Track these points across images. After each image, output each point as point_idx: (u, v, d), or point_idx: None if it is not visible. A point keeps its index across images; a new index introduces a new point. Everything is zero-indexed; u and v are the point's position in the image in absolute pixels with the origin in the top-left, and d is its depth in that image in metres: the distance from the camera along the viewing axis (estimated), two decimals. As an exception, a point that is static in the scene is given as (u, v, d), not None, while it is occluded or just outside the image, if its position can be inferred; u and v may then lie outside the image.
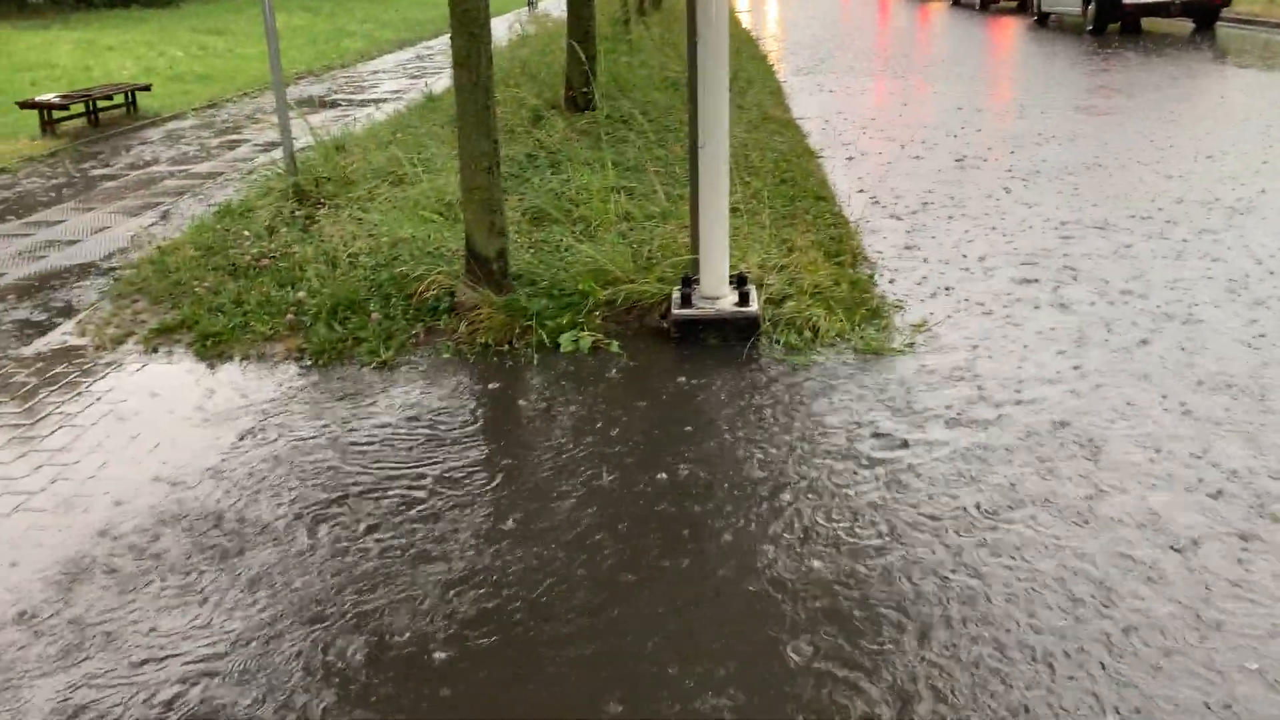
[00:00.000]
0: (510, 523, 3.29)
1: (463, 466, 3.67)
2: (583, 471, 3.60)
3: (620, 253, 5.35)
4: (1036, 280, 5.40)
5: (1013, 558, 3.00)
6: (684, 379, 4.39)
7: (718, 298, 4.79)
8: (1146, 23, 17.79)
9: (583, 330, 4.79)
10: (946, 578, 2.92)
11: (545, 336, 4.75)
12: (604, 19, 13.25)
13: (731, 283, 4.84)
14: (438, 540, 3.21)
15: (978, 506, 3.28)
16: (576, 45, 9.32)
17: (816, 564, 3.01)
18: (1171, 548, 3.03)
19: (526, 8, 24.24)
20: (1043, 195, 7.09)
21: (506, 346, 4.75)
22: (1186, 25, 17.57)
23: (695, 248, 4.96)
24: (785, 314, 4.83)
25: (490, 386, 4.40)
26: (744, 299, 4.76)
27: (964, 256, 5.83)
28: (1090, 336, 4.65)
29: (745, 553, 3.09)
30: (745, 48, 16.18)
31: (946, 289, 5.32)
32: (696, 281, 4.87)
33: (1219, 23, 17.40)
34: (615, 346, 4.71)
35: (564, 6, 10.80)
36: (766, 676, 2.57)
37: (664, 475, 3.55)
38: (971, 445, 3.68)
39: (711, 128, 4.58)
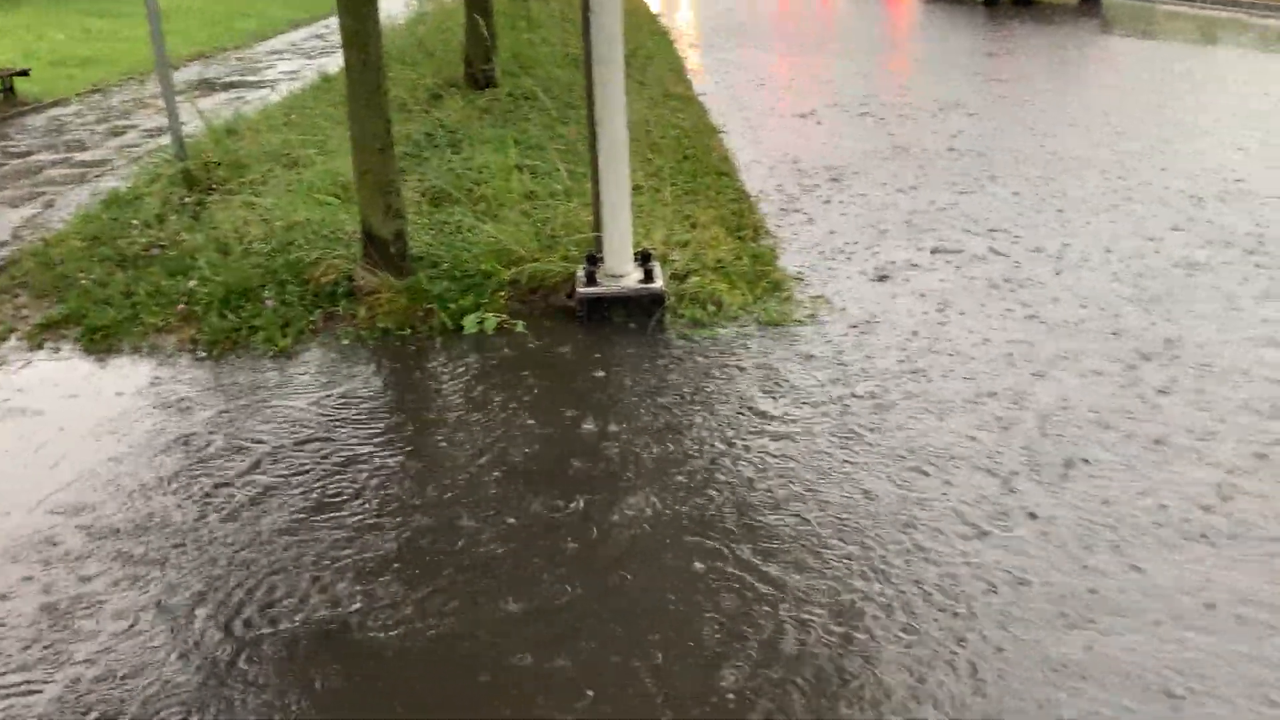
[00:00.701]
0: (418, 500, 3.25)
1: (365, 453, 3.60)
2: (490, 449, 3.57)
3: (524, 232, 5.30)
4: (936, 249, 5.50)
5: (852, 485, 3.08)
6: (589, 356, 4.37)
7: (622, 275, 4.77)
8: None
9: (487, 311, 4.74)
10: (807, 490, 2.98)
11: (448, 319, 4.68)
12: (504, -5, 13.09)
13: (636, 260, 4.83)
14: (341, 532, 3.15)
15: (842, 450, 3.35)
16: (478, 21, 9.18)
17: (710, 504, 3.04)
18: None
19: None
20: (941, 165, 7.23)
21: (408, 330, 4.67)
22: (1075, -6, 18.05)
23: (598, 225, 4.94)
24: (689, 289, 4.85)
25: (392, 371, 4.33)
26: (648, 276, 4.75)
27: (866, 228, 5.92)
28: (990, 297, 4.76)
29: (641, 510, 3.10)
30: (645, 23, 16.13)
31: (848, 259, 5.39)
32: (601, 259, 4.85)
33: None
34: (520, 326, 4.67)
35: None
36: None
37: (571, 449, 3.54)
38: (861, 406, 3.75)
39: (609, 104, 4.55)
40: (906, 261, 5.31)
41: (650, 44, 13.39)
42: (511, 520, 3.18)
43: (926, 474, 3.34)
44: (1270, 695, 2.41)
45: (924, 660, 2.53)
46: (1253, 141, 7.58)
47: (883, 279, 5.09)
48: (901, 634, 2.62)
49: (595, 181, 4.90)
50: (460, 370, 4.28)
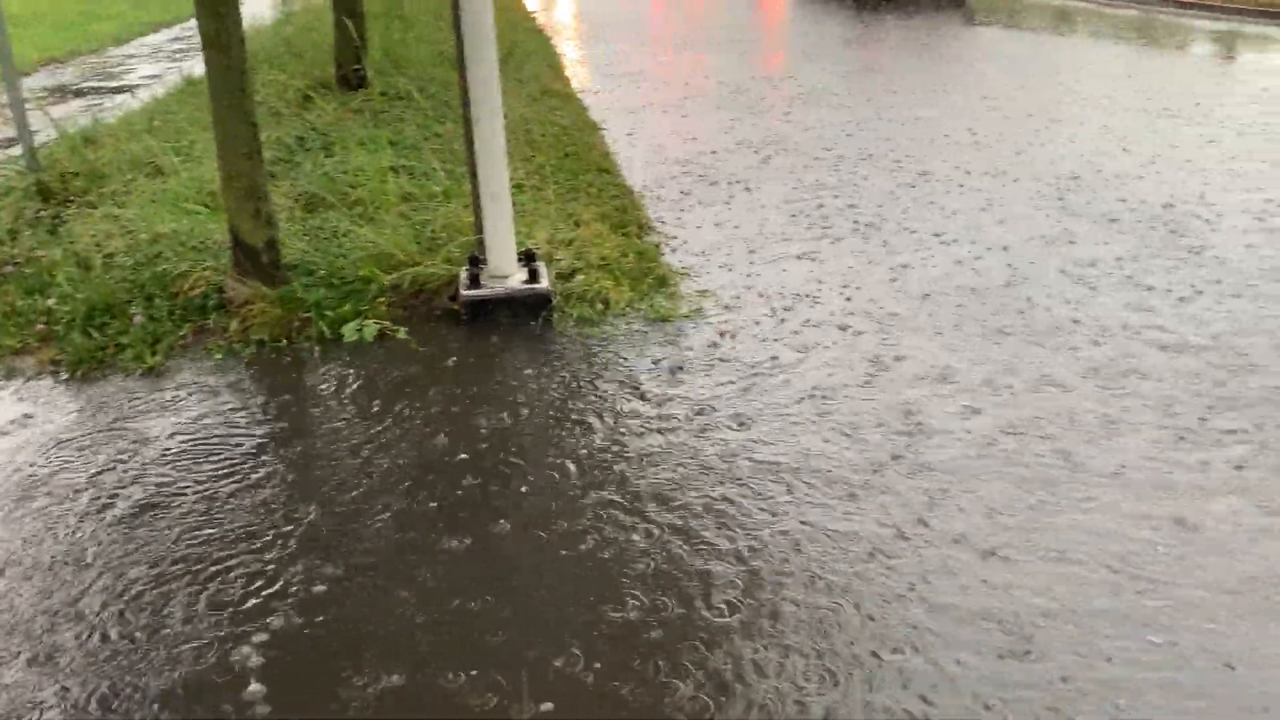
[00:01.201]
0: (302, 515, 3.12)
1: (243, 469, 3.46)
2: (374, 462, 3.46)
3: (403, 235, 5.17)
4: (815, 235, 5.57)
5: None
6: (475, 360, 4.29)
7: (506, 275, 4.70)
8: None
9: (367, 319, 4.60)
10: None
11: (326, 328, 4.53)
12: (374, -7, 12.79)
13: (520, 260, 4.76)
14: (216, 550, 3.01)
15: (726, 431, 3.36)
16: (346, 20, 8.94)
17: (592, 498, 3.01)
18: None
19: None
20: (817, 156, 7.33)
21: (284, 341, 4.50)
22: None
23: (480, 226, 4.85)
24: (576, 288, 4.80)
25: (268, 384, 4.17)
26: (533, 275, 4.69)
27: (747, 220, 5.96)
28: (865, 282, 4.84)
29: (531, 509, 3.05)
30: (521, 20, 15.99)
31: (730, 252, 5.42)
32: (484, 261, 4.76)
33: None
34: (403, 333, 4.55)
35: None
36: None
37: (457, 454, 3.46)
38: (741, 394, 3.77)
39: (484, 101, 4.47)
40: (788, 251, 5.36)
41: (527, 41, 13.26)
42: (383, 539, 3.09)
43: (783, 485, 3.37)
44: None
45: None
46: (1105, 123, 7.91)
47: (772, 268, 5.14)
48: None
49: (474, 181, 4.81)
50: (338, 381, 4.14)
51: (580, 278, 4.86)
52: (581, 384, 4.01)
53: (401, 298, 4.84)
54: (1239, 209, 5.88)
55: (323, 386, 4.11)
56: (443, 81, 9.58)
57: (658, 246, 5.48)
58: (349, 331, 4.53)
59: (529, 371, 4.16)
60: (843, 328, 4.44)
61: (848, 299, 4.74)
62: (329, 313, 4.61)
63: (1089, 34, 12.59)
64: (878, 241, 5.41)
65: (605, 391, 3.93)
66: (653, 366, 4.13)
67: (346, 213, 5.71)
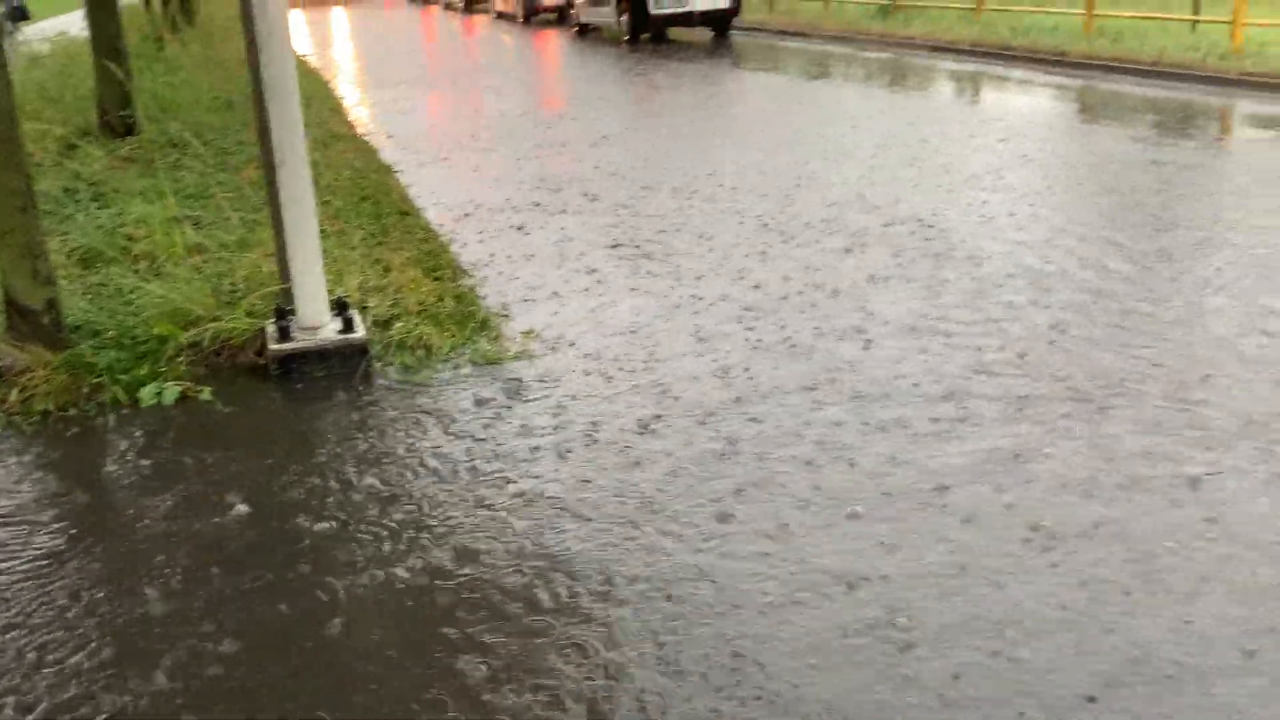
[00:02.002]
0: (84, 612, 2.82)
1: (23, 561, 3.10)
2: (174, 541, 3.18)
3: (198, 289, 4.83)
4: (622, 263, 5.60)
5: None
6: (288, 419, 4.06)
7: (318, 326, 4.47)
8: (674, 32, 19.34)
9: (166, 380, 4.26)
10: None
11: (122, 392, 4.16)
12: (135, 36, 12.05)
13: (332, 309, 4.54)
14: None
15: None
16: (109, 64, 8.35)
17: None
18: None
19: (10, 23, 19.52)
20: (605, 190, 7.41)
21: (73, 410, 4.11)
22: (708, 33, 19.34)
23: (285, 276, 4.60)
24: (395, 336, 4.62)
25: (54, 459, 3.78)
26: (348, 325, 4.48)
27: (555, 257, 5.94)
28: (670, 305, 4.91)
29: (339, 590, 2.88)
30: (298, 64, 15.46)
31: (551, 292, 5.37)
32: (293, 312, 4.51)
33: (732, 31, 19.33)
34: (207, 393, 4.23)
35: (79, 23, 9.65)
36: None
37: (262, 523, 3.23)
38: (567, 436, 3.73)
39: (288, 145, 4.26)
40: (595, 285, 5.36)
41: (305, 85, 12.82)
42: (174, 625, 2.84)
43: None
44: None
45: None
46: (865, 151, 8.42)
47: (583, 303, 5.14)
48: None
49: (279, 229, 4.57)
50: (133, 450, 3.80)
51: (399, 325, 4.68)
52: (409, 437, 3.85)
53: (202, 356, 4.51)
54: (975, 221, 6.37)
55: (114, 456, 3.77)
56: (218, 127, 9.14)
57: (474, 289, 5.38)
58: (147, 395, 4.18)
59: (348, 428, 3.95)
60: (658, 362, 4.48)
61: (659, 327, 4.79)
62: (123, 376, 4.24)
63: (846, 78, 13.40)
64: (689, 276, 5.50)
65: (436, 444, 3.79)
66: (482, 412, 4.01)
67: (130, 268, 5.30)
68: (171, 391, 4.20)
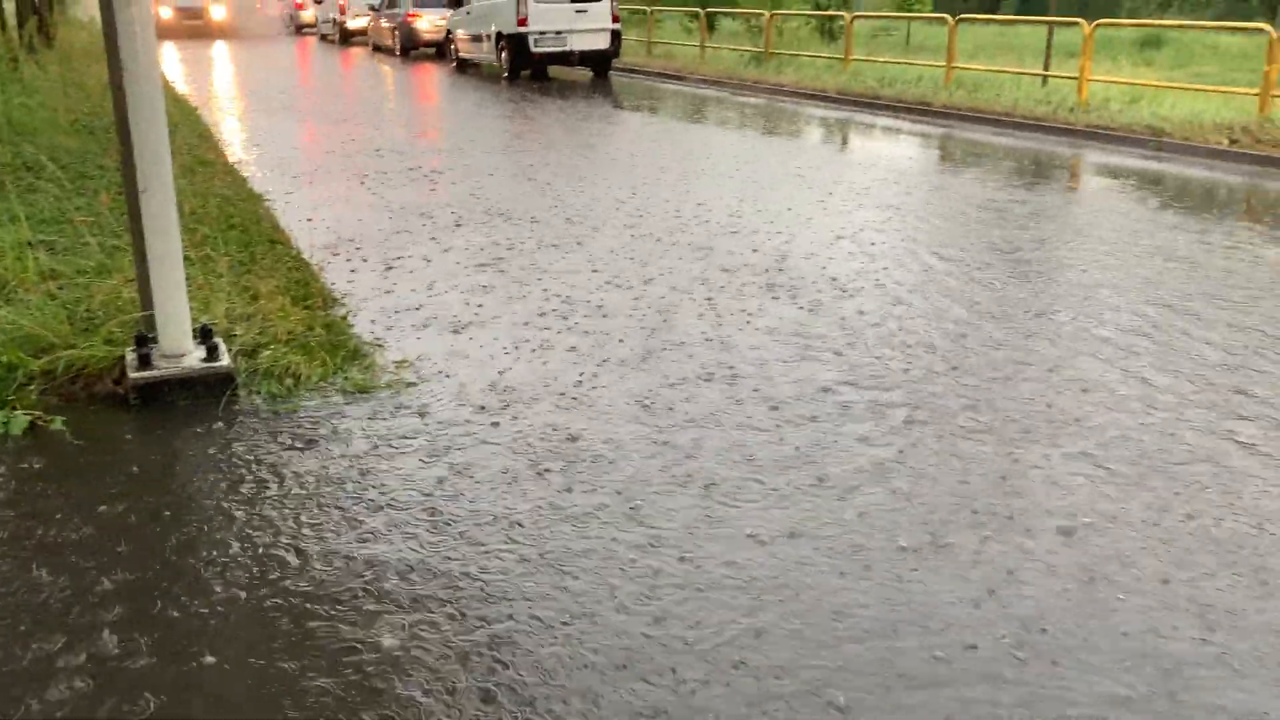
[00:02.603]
0: (-46, 652, 2.66)
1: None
2: (14, 581, 3.04)
3: (51, 315, 4.63)
4: (489, 295, 5.61)
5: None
6: (149, 450, 3.90)
7: (182, 354, 4.33)
8: (554, 70, 19.53)
9: (14, 410, 4.06)
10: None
11: (-35, 423, 3.96)
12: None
13: (196, 337, 4.41)
14: None
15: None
16: (-45, 83, 7.96)
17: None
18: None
19: None
20: (481, 224, 7.42)
21: (-88, 440, 3.88)
22: (587, 73, 19.58)
23: (147, 303, 4.45)
24: (262, 364, 4.50)
25: (-106, 492, 3.55)
26: (212, 353, 4.35)
27: (425, 286, 5.90)
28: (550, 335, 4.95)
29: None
30: (165, 90, 15.00)
31: (419, 319, 5.34)
32: (154, 339, 4.37)
33: (611, 71, 19.63)
34: (59, 423, 4.04)
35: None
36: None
37: (122, 570, 3.11)
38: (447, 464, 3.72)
39: (152, 170, 4.14)
40: (470, 318, 5.36)
41: (173, 110, 12.45)
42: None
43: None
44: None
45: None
46: (733, 192, 8.66)
47: (455, 332, 5.12)
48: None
49: (140, 254, 4.42)
50: (-18, 481, 3.62)
51: (266, 353, 4.57)
52: (272, 469, 3.76)
53: (55, 384, 4.32)
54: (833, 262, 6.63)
55: (-36, 489, 3.57)
56: (76, 151, 8.80)
57: (345, 318, 5.29)
58: (-8, 424, 3.98)
59: (213, 452, 3.84)
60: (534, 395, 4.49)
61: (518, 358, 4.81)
62: (-35, 405, 4.03)
63: (720, 120, 13.75)
64: (556, 295, 5.54)
65: (302, 474, 3.71)
66: (346, 440, 3.95)
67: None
68: (20, 421, 4.01)
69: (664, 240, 6.99)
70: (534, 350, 4.93)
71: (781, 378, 4.57)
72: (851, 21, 17.36)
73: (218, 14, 35.63)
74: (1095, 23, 12.48)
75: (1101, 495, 3.52)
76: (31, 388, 4.23)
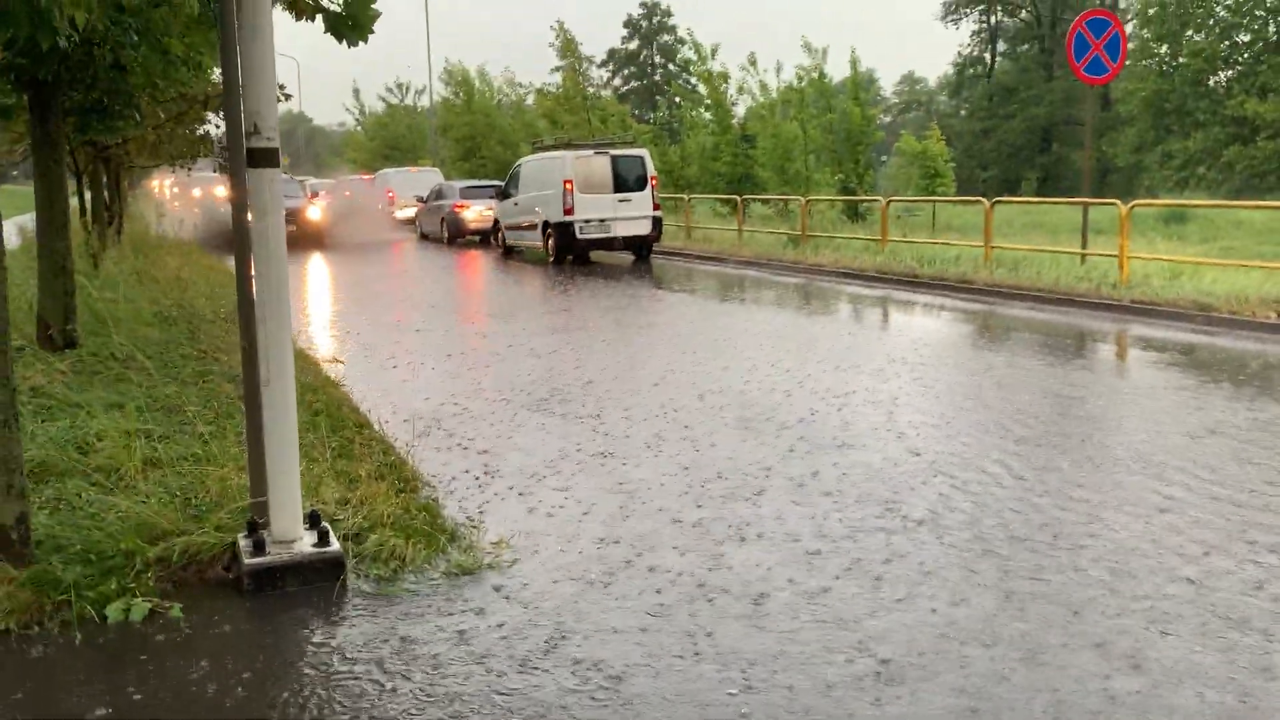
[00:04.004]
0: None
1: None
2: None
3: (163, 503, 4.79)
4: (574, 472, 5.73)
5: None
6: (261, 637, 3.97)
7: (293, 540, 4.45)
8: (596, 254, 20.25)
9: (134, 596, 4.17)
10: None
11: (88, 609, 4.05)
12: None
13: (304, 523, 4.54)
14: None
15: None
16: (53, 279, 8.41)
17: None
18: None
19: None
20: (549, 402, 7.61)
21: (36, 628, 3.97)
22: (628, 256, 20.29)
23: (257, 490, 4.62)
24: (368, 549, 4.61)
25: (13, 685, 3.62)
26: (323, 538, 4.47)
27: (513, 466, 6.04)
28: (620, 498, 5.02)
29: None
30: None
31: (505, 499, 5.46)
32: (263, 525, 4.50)
33: (652, 255, 20.33)
34: (177, 610, 4.14)
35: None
36: None
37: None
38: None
39: (277, 364, 4.37)
40: (557, 489, 5.47)
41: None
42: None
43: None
44: None
45: None
46: (767, 365, 8.86)
47: (541, 513, 5.23)
48: None
49: (254, 443, 4.62)
50: (100, 674, 3.67)
51: (373, 537, 4.68)
52: (388, 646, 3.81)
53: (170, 571, 4.43)
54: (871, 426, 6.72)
55: (84, 677, 3.64)
56: (159, 342, 9.19)
57: (437, 500, 5.42)
58: (114, 611, 4.07)
59: (322, 647, 3.89)
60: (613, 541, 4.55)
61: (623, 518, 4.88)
62: (90, 592, 4.13)
63: (757, 300, 14.14)
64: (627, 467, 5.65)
65: (418, 654, 3.75)
66: (456, 627, 4.00)
67: (85, 481, 5.23)
68: (140, 608, 4.10)
69: (770, 442, 7.14)
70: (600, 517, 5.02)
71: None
72: (887, 205, 18.05)
73: (314, 214, 27.09)
74: (1132, 203, 12.93)
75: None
76: (148, 575, 4.34)
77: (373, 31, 4.79)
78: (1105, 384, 8.20)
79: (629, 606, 4.16)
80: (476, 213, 24.92)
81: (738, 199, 23.02)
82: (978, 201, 16.44)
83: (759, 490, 5.59)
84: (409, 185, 32.02)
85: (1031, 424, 6.84)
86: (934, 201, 24.56)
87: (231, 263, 4.50)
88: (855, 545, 4.77)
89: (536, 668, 3.66)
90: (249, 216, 4.33)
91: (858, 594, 4.24)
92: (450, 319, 12.83)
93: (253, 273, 4.38)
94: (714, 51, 30.45)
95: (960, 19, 63.87)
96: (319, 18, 4.86)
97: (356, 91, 55.82)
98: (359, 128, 57.90)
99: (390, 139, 52.32)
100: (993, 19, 63.91)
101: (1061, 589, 4.24)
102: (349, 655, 3.80)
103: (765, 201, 26.51)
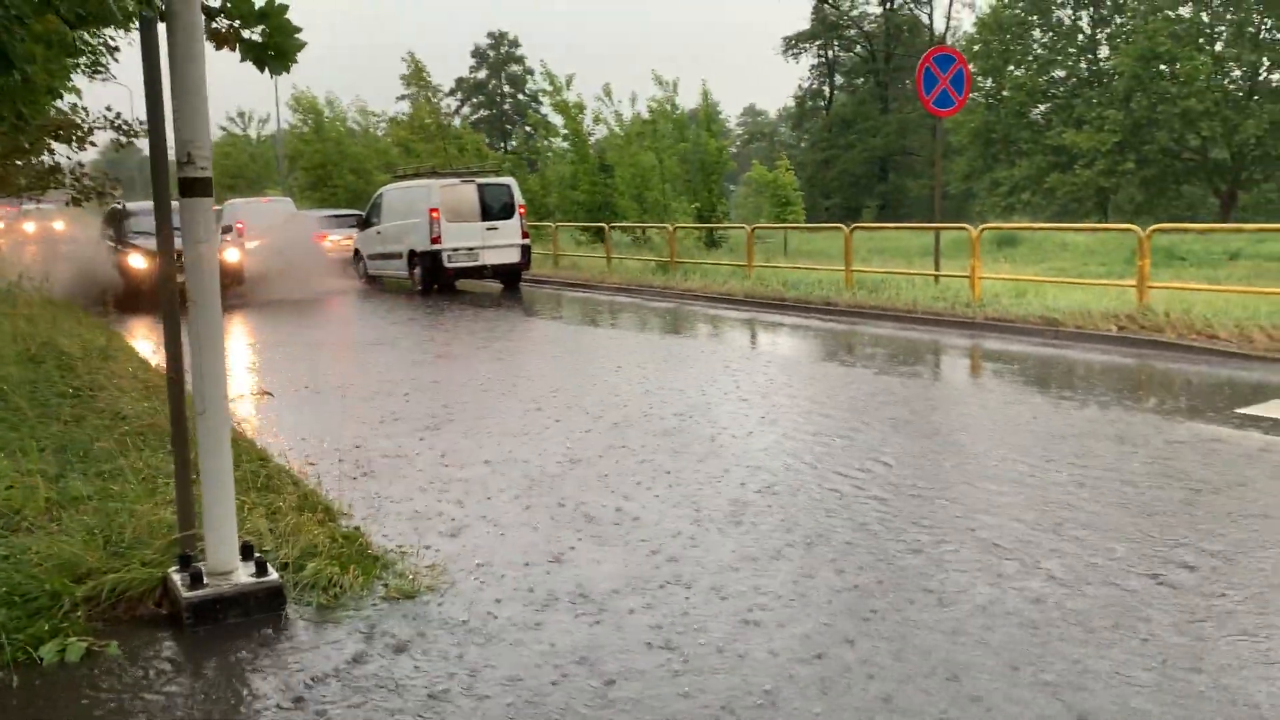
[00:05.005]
0: None
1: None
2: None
3: (84, 542, 4.66)
4: (464, 497, 5.82)
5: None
6: (213, 670, 3.94)
7: (229, 571, 4.41)
8: (465, 283, 20.19)
9: (67, 636, 4.06)
10: None
11: (18, 652, 3.93)
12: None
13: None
14: None
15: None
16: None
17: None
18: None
19: None
20: (430, 424, 7.67)
21: (-35, 673, 3.83)
22: (497, 285, 20.32)
23: (186, 524, 4.56)
24: (305, 578, 4.60)
25: (-33, 728, 3.50)
26: (261, 569, 4.44)
27: (424, 492, 6.08)
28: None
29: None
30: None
31: (422, 527, 5.51)
32: (197, 558, 4.44)
33: (521, 282, 20.42)
34: (114, 648, 4.06)
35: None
36: None
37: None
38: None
39: (212, 393, 4.34)
40: (455, 514, 5.57)
41: (100, 334, 12.46)
42: None
43: (631, 711, 3.52)
44: None
45: None
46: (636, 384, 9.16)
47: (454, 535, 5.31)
48: None
49: (182, 476, 4.58)
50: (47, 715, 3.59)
51: (310, 565, 4.67)
52: (341, 681, 3.84)
53: (99, 610, 4.33)
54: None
55: None
56: (25, 381, 8.77)
57: (359, 529, 5.41)
58: (49, 653, 3.97)
59: (289, 664, 3.90)
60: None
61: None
62: (18, 635, 4.01)
63: (634, 325, 14.46)
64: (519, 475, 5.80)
65: (374, 686, 3.80)
66: (424, 648, 4.07)
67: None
68: (75, 648, 4.01)
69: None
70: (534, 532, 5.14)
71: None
72: (752, 232, 18.72)
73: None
74: (981, 227, 13.83)
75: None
76: (78, 613, 4.23)
77: (295, 61, 4.82)
78: (966, 392, 8.78)
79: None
80: (334, 242, 24.46)
81: (605, 227, 23.38)
82: (837, 228, 17.22)
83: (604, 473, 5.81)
84: (260, 216, 31.13)
85: (889, 427, 7.31)
86: (797, 229, 25.50)
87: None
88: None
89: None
90: (182, 244, 4.30)
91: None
92: (311, 349, 12.62)
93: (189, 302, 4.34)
94: (569, 82, 30.89)
95: (800, 53, 66.48)
96: (238, 47, 4.84)
97: (195, 120, 53.84)
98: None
99: (232, 169, 50.69)
100: (830, 53, 66.77)
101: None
102: (293, 684, 3.80)
103: (625, 230, 27.00)
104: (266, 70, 4.80)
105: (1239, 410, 7.66)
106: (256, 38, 4.79)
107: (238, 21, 4.71)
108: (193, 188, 4.24)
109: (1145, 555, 4.80)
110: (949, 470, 6.31)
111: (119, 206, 19.31)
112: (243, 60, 4.90)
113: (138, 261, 17.22)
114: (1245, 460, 6.34)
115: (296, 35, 4.76)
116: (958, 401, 8.58)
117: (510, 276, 19.98)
